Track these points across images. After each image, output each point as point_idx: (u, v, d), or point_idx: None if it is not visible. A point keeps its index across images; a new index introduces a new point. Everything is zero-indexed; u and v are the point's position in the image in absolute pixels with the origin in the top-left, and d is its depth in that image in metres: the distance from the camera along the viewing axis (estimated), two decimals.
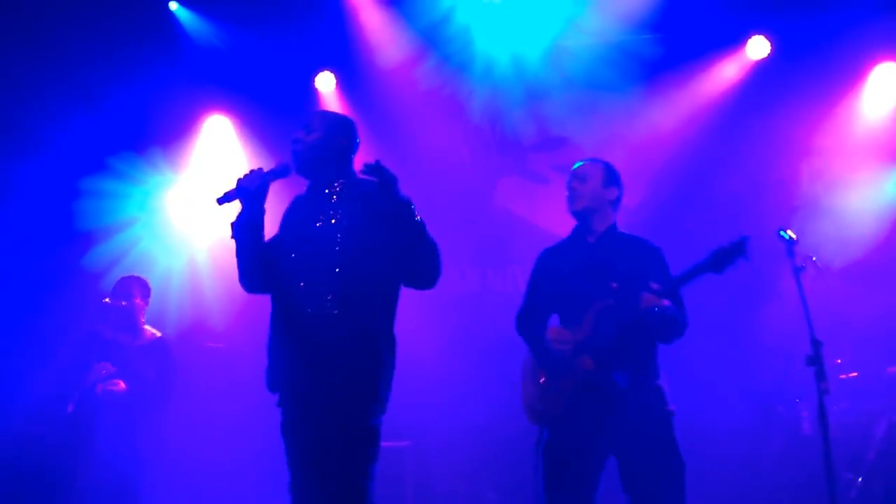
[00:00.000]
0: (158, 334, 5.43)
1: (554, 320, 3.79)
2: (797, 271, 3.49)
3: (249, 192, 3.24)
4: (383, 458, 3.21)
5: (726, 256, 3.41)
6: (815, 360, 3.24)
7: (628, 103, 6.60)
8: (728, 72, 6.53)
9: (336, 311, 3.10)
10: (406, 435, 5.86)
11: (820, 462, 3.34)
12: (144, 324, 5.41)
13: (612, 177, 3.79)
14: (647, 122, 6.56)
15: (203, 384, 6.17)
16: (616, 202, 3.79)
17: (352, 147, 3.42)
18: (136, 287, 5.36)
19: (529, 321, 3.80)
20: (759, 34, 6.43)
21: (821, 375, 3.21)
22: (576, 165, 3.85)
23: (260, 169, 3.30)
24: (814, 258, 5.12)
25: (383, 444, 3.21)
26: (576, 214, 3.76)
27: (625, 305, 3.45)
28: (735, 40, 6.49)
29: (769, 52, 6.42)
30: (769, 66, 6.43)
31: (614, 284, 3.50)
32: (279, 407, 3.26)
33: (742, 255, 3.40)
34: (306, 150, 3.35)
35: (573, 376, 3.53)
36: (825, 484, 3.32)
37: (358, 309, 3.13)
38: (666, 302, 3.43)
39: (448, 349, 6.37)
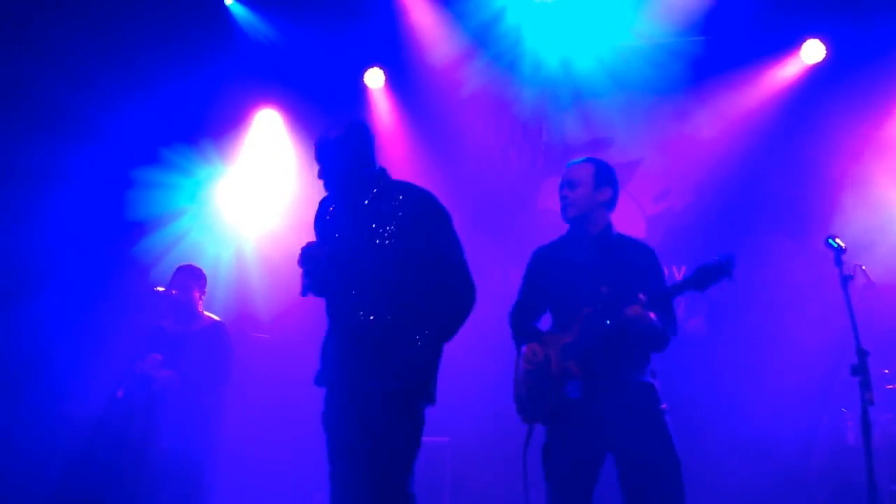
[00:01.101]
0: (216, 319, 5.57)
1: (547, 319, 3.78)
2: (845, 280, 3.45)
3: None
4: (421, 454, 3.23)
5: (709, 275, 3.27)
6: (861, 369, 3.21)
7: (677, 106, 6.56)
8: (781, 76, 6.44)
9: (379, 318, 3.17)
10: (445, 431, 5.89)
11: (863, 473, 3.30)
12: (203, 311, 5.55)
13: (603, 177, 3.66)
14: (695, 125, 6.51)
15: (249, 374, 6.27)
16: (610, 202, 3.67)
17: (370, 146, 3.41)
18: (192, 276, 5.50)
19: (521, 319, 3.78)
20: (815, 38, 6.33)
21: (865, 385, 3.17)
22: (567, 166, 3.74)
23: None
24: (863, 267, 5.08)
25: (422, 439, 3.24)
26: (569, 222, 3.67)
27: (610, 312, 3.39)
28: (789, 44, 6.41)
29: (824, 56, 6.33)
30: (824, 70, 6.33)
31: (604, 288, 3.42)
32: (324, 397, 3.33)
33: (726, 276, 3.25)
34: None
35: (557, 378, 3.50)
36: (867, 495, 3.29)
37: (400, 313, 3.18)
38: (652, 314, 3.37)
39: (488, 348, 6.37)
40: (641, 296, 3.33)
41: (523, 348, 3.63)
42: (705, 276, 3.27)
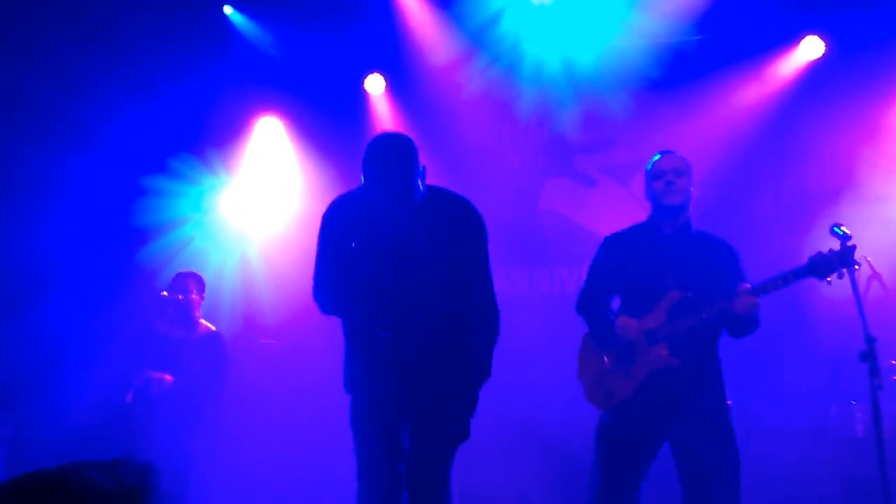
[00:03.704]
0: (213, 328, 5.55)
1: (615, 305, 3.81)
2: (850, 267, 3.44)
3: None
4: None
5: (831, 264, 3.39)
6: (869, 355, 3.20)
7: (678, 105, 6.57)
8: (781, 72, 6.46)
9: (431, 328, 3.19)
10: None
11: (874, 465, 3.29)
12: (200, 318, 5.53)
13: (693, 173, 3.82)
14: (696, 123, 6.51)
15: (256, 380, 6.27)
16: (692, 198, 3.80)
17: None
18: (192, 282, 5.49)
19: (591, 303, 3.80)
20: (814, 34, 6.35)
21: (874, 371, 3.16)
22: (668, 156, 3.80)
23: None
24: (868, 257, 5.07)
25: None
26: (670, 209, 3.70)
27: (705, 300, 3.47)
28: (788, 41, 6.42)
29: (823, 52, 6.34)
30: (824, 66, 6.34)
31: (694, 277, 3.56)
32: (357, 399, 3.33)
33: (848, 265, 3.38)
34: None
35: (646, 363, 3.54)
36: (880, 484, 3.27)
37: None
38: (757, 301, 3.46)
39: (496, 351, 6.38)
40: (746, 285, 3.42)
41: (616, 322, 3.62)
42: (827, 265, 3.39)
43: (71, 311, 6.12)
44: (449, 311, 3.18)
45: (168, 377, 5.20)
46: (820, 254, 3.43)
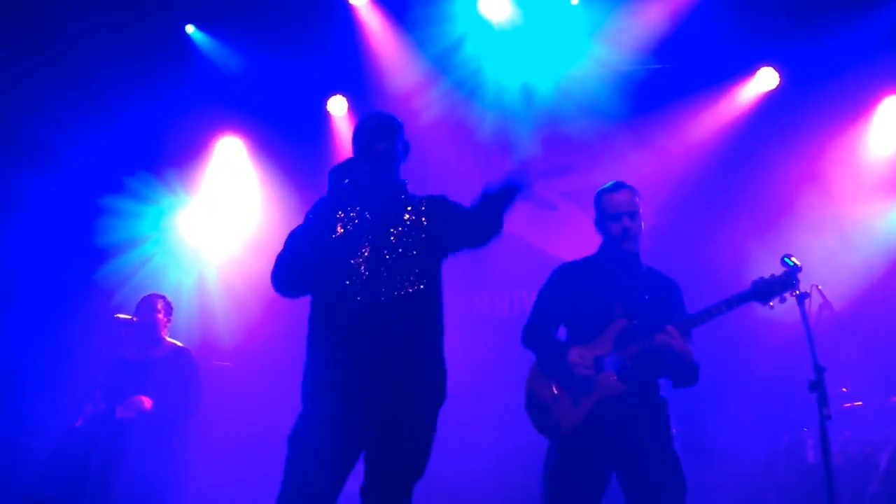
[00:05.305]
0: (180, 345, 5.51)
1: (561, 334, 3.84)
2: (801, 298, 3.51)
3: None
4: None
5: (774, 288, 3.47)
6: (818, 385, 3.26)
7: (637, 132, 6.67)
8: (737, 101, 6.61)
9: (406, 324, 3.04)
10: None
11: (823, 491, 3.34)
12: (167, 337, 5.49)
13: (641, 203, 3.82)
14: (654, 151, 6.62)
15: (211, 402, 6.20)
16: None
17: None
18: (158, 303, 5.47)
19: (539, 332, 3.82)
20: (769, 66, 6.50)
21: (823, 401, 3.23)
22: (622, 193, 3.77)
23: None
24: (819, 287, 5.18)
25: None
26: (628, 254, 3.74)
27: (647, 329, 3.51)
28: (744, 71, 6.57)
29: (778, 83, 6.50)
30: (778, 96, 6.50)
31: (645, 296, 3.60)
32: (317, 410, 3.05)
33: (791, 289, 3.46)
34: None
35: (595, 391, 3.57)
36: None
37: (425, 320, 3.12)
38: (688, 346, 3.50)
39: (455, 373, 6.38)
40: (670, 328, 3.46)
41: (568, 354, 3.62)
42: (770, 289, 3.46)
43: (28, 331, 6.02)
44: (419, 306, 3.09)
45: (147, 400, 5.12)
46: (762, 279, 3.52)
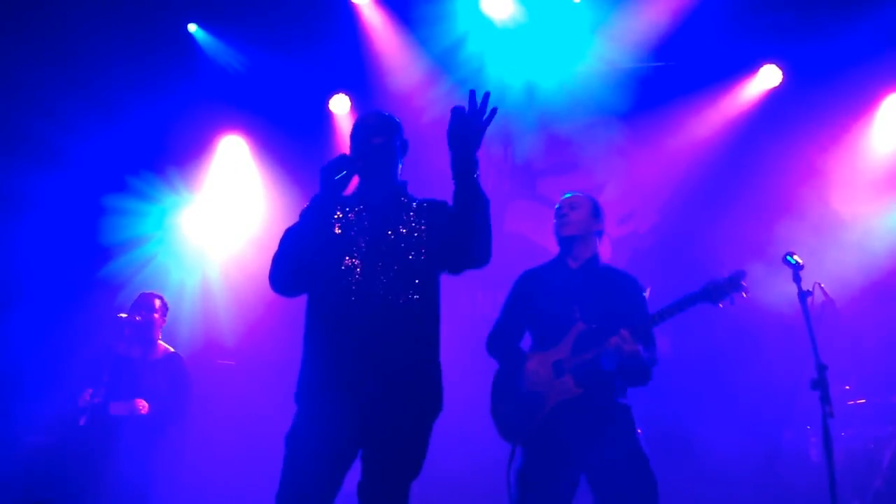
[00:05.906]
0: (172, 350, 5.49)
1: (526, 341, 3.88)
2: (803, 296, 3.51)
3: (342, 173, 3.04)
4: None
5: (722, 289, 3.49)
6: (820, 383, 3.26)
7: (639, 130, 6.67)
8: (740, 99, 6.60)
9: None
10: None
11: (826, 488, 3.34)
12: (160, 339, 5.47)
13: (599, 211, 3.94)
14: (657, 149, 6.62)
15: (213, 401, 6.21)
16: (600, 234, 3.93)
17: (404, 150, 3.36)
18: (155, 302, 5.44)
19: (501, 340, 3.89)
20: (772, 63, 6.49)
21: (825, 399, 3.23)
22: (568, 196, 3.96)
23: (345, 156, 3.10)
24: (822, 284, 5.17)
25: None
26: (563, 240, 3.87)
27: (604, 332, 3.53)
28: (747, 69, 6.56)
29: (781, 81, 6.49)
30: (781, 93, 6.49)
31: (597, 307, 3.62)
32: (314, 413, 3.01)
33: (738, 290, 3.49)
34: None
35: (553, 395, 3.60)
36: None
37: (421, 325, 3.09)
38: (639, 346, 3.50)
39: (456, 372, 6.38)
40: (624, 331, 3.47)
41: (526, 364, 3.68)
42: (717, 290, 3.49)
43: (31, 330, 6.03)
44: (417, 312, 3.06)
45: (142, 403, 5.11)
46: (712, 280, 3.54)
